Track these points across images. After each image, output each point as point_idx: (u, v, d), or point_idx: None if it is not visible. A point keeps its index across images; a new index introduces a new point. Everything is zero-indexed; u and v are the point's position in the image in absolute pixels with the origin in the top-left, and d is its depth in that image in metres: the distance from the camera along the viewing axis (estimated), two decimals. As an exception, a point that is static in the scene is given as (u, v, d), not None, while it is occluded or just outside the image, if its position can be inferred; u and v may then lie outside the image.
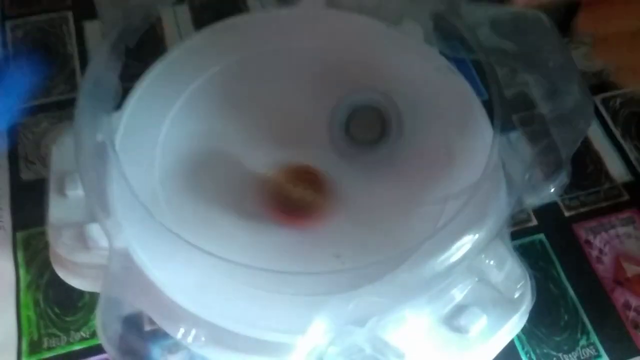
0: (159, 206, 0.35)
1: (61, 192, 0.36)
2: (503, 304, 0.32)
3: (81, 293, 0.40)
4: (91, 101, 0.33)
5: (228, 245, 0.31)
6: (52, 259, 0.36)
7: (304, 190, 0.36)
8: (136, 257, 0.32)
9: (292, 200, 0.36)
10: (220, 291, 0.31)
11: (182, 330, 0.31)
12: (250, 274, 0.31)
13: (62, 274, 0.36)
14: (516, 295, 0.33)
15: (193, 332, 0.31)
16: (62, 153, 0.38)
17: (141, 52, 0.49)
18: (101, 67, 0.34)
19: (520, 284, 0.33)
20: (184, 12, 0.53)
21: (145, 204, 0.31)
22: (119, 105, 0.37)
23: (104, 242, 0.32)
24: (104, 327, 0.30)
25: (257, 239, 0.35)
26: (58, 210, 0.36)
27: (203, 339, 0.31)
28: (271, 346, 0.30)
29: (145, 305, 0.32)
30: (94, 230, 0.33)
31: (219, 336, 0.31)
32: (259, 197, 0.36)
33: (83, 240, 0.33)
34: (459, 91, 0.39)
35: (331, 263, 0.33)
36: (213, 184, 0.37)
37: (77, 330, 0.38)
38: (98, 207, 0.32)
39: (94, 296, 0.38)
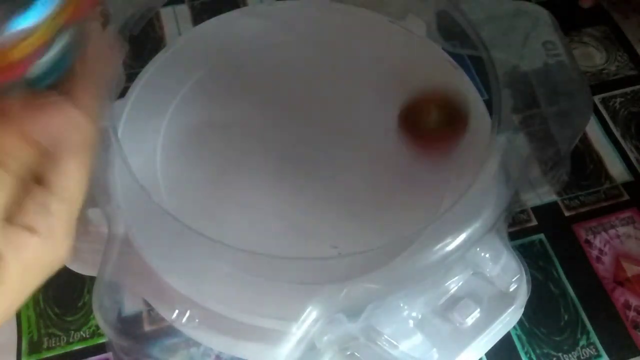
0: (159, 193, 0.35)
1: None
2: (497, 297, 0.32)
3: (81, 293, 0.40)
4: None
5: (226, 233, 0.31)
6: (53, 243, 0.36)
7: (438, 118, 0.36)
8: (135, 242, 0.32)
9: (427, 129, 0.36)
10: (216, 276, 0.32)
11: (176, 312, 0.31)
12: (247, 259, 0.31)
13: (62, 257, 0.36)
14: (511, 289, 0.33)
15: (187, 314, 0.31)
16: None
17: (141, 51, 0.50)
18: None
19: (516, 277, 0.33)
20: (183, 12, 0.53)
21: (146, 188, 0.31)
22: (122, 93, 0.37)
23: (104, 227, 0.32)
24: (101, 309, 0.30)
25: (254, 228, 0.35)
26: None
27: (197, 320, 0.31)
28: (264, 332, 0.31)
29: (142, 289, 0.33)
30: (95, 214, 0.33)
31: (213, 320, 0.31)
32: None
33: (84, 224, 0.34)
34: (460, 87, 0.39)
35: (328, 253, 0.33)
36: (214, 172, 0.37)
37: (77, 330, 0.38)
38: (99, 191, 0.32)
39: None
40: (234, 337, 0.32)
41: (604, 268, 0.41)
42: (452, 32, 0.38)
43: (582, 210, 0.44)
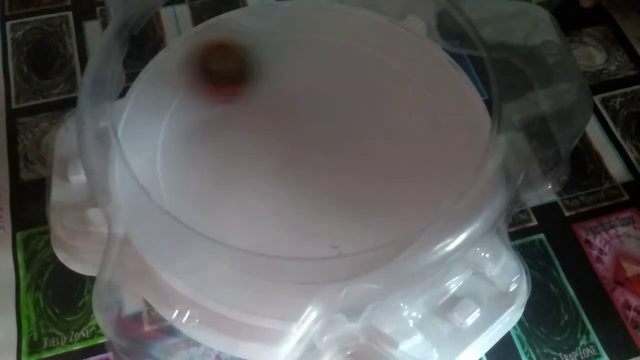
0: (160, 193, 0.35)
1: (63, 176, 0.36)
2: (497, 297, 0.32)
3: (81, 293, 0.40)
4: (95, 87, 0.33)
5: (226, 233, 0.31)
6: (53, 243, 0.37)
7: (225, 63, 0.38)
8: (135, 242, 0.32)
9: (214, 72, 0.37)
10: (216, 276, 0.32)
11: (176, 312, 0.31)
12: (247, 259, 0.31)
13: (62, 257, 0.36)
14: (511, 289, 0.33)
15: (187, 314, 0.31)
16: (65, 138, 0.38)
17: (141, 51, 0.50)
18: (105, 54, 0.34)
19: (516, 277, 0.33)
20: (183, 12, 0.53)
21: (146, 188, 0.31)
22: (122, 93, 0.37)
23: (104, 227, 0.32)
24: (101, 309, 0.30)
25: (254, 228, 0.35)
26: (60, 194, 0.36)
27: (197, 320, 0.31)
28: (264, 332, 0.31)
29: (142, 289, 0.33)
30: (95, 214, 0.34)
31: (213, 320, 0.31)
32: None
33: (84, 224, 0.34)
34: (460, 87, 0.39)
35: (328, 253, 0.33)
36: (214, 172, 0.37)
37: (77, 330, 0.38)
38: (99, 191, 0.32)
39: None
40: (234, 337, 0.32)
41: (604, 268, 0.41)
42: (452, 32, 0.38)
43: (582, 210, 0.44)
